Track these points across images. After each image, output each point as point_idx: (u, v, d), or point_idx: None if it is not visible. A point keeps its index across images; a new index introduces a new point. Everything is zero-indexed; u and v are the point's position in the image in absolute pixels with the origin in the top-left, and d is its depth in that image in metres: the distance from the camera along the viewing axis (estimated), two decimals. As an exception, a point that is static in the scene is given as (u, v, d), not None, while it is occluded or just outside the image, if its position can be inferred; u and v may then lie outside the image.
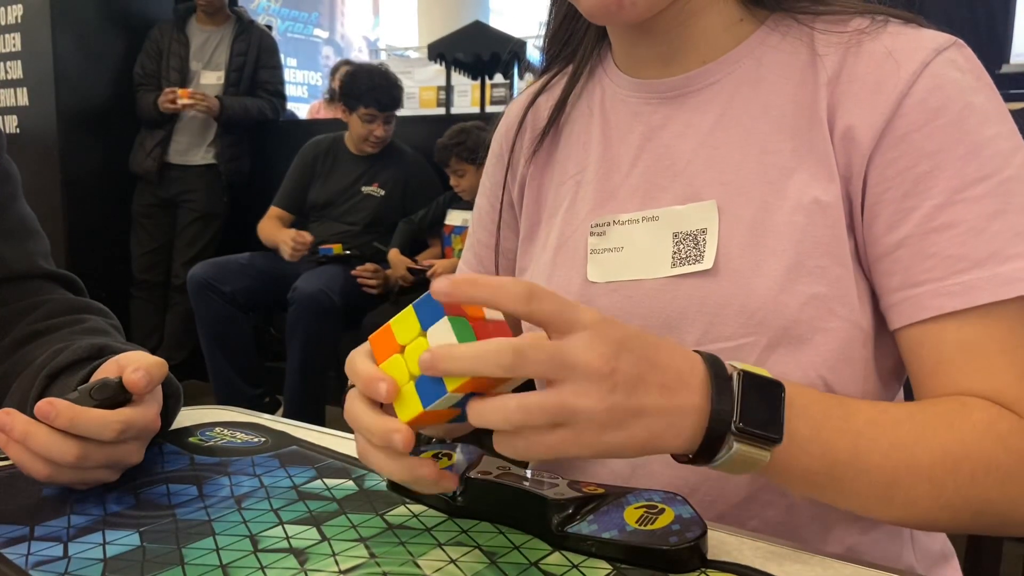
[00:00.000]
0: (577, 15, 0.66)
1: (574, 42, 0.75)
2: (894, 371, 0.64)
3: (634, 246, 0.65)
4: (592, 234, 0.68)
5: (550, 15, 0.76)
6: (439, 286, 0.43)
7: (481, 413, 0.43)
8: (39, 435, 0.57)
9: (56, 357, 0.70)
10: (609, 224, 0.67)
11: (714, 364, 0.48)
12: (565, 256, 0.69)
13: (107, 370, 0.63)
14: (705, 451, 0.47)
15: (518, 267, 0.77)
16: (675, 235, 0.63)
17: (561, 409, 0.42)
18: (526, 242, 0.76)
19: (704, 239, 0.61)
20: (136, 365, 0.61)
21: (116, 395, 0.60)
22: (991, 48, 2.31)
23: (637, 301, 0.64)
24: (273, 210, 3.05)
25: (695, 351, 0.49)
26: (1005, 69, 2.31)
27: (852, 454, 0.50)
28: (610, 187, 0.69)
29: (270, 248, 2.93)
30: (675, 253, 0.63)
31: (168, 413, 0.69)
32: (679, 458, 0.49)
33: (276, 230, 2.94)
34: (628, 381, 0.43)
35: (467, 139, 2.69)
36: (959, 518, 0.52)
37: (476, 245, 0.82)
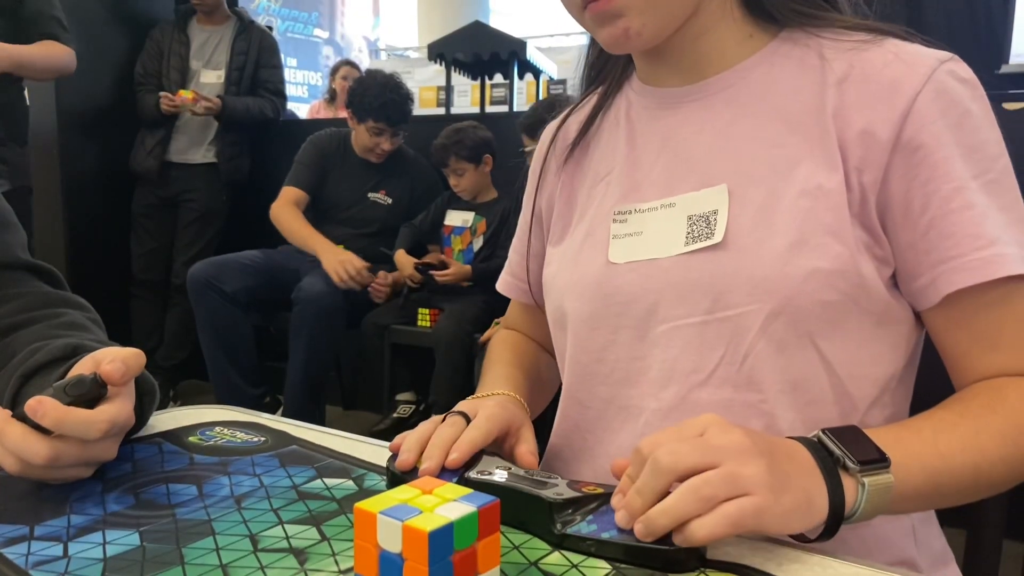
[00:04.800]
0: None
1: (608, 67, 0.82)
2: (909, 357, 0.68)
3: (652, 230, 0.70)
4: (615, 221, 0.73)
5: (589, 49, 0.83)
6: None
7: (675, 508, 0.48)
8: (12, 434, 0.58)
9: (31, 358, 0.69)
10: (631, 212, 0.72)
11: (799, 437, 0.55)
12: (591, 243, 0.74)
13: (83, 366, 0.63)
14: (836, 507, 0.51)
15: (545, 261, 0.82)
16: (689, 218, 0.68)
17: (734, 476, 0.48)
18: (556, 242, 0.81)
19: (715, 219, 0.66)
20: (112, 356, 0.61)
21: (90, 391, 0.60)
22: (991, 48, 2.30)
23: (653, 277, 0.68)
24: (290, 192, 2.83)
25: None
26: (1005, 69, 2.29)
27: (941, 461, 0.57)
28: (634, 182, 0.74)
29: (289, 241, 2.78)
30: (688, 233, 0.67)
31: (142, 410, 0.69)
32: (802, 538, 0.53)
33: (309, 230, 2.72)
34: (767, 451, 0.50)
35: (464, 138, 2.68)
36: None
37: (512, 254, 0.91)
